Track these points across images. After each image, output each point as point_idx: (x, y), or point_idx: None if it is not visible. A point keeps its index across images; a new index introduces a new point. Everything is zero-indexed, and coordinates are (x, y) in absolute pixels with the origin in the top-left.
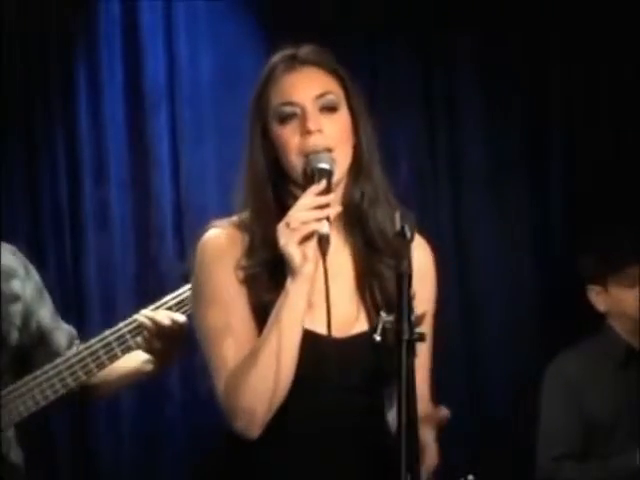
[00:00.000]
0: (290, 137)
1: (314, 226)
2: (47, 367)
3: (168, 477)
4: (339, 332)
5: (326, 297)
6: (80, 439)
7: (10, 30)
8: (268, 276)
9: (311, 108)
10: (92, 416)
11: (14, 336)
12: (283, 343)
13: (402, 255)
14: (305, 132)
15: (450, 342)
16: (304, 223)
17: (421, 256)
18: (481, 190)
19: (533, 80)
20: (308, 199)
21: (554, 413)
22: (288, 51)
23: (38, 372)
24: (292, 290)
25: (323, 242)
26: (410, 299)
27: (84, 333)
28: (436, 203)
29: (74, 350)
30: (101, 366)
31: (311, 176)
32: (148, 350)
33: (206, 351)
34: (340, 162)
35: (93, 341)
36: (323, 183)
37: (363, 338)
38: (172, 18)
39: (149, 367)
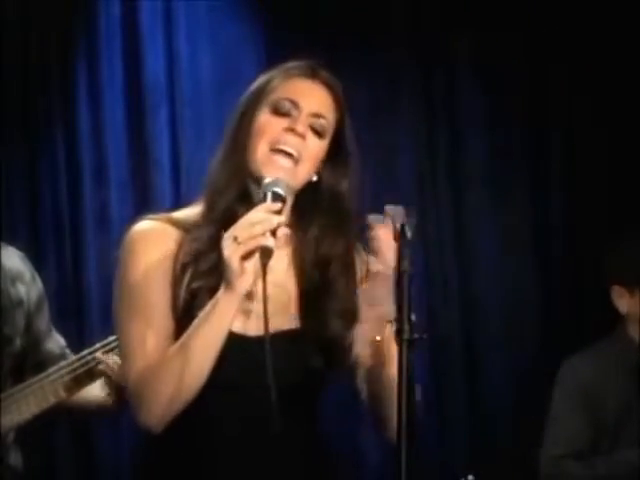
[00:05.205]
0: (273, 127)
1: (260, 240)
2: (50, 370)
3: None
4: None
5: (264, 311)
6: (80, 440)
7: (10, 30)
8: (197, 266)
9: (305, 118)
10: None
11: (17, 342)
12: (199, 351)
13: (402, 255)
14: (291, 129)
15: (450, 342)
16: (251, 238)
17: None
18: (481, 190)
19: (533, 80)
20: (259, 214)
21: (565, 413)
22: (309, 63)
23: (42, 375)
24: (223, 301)
25: (265, 254)
26: (410, 299)
27: (84, 334)
28: (436, 203)
29: (69, 360)
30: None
31: (264, 198)
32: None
33: (121, 337)
34: (297, 179)
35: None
36: (277, 205)
37: (284, 337)
38: (172, 18)
39: (108, 401)
